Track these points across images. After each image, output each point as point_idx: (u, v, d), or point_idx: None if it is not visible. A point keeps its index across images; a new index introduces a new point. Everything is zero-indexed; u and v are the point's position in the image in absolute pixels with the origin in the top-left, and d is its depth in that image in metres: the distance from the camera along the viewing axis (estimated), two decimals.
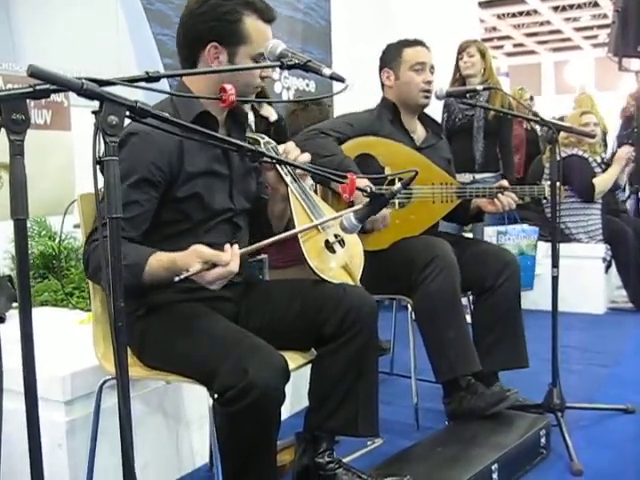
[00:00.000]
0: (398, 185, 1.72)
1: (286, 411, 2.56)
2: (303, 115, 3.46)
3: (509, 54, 21.61)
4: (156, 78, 1.32)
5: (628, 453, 2.40)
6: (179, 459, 2.23)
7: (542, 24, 18.32)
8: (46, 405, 1.79)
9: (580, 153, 4.62)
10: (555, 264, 2.46)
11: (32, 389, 1.15)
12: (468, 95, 2.70)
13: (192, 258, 1.50)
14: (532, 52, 21.57)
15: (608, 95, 11.65)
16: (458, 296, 2.45)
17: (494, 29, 18.19)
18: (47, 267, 2.93)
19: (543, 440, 2.33)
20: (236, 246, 1.55)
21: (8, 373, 1.14)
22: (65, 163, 3.28)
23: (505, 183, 2.64)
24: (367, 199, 1.70)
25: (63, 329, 2.40)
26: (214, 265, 1.49)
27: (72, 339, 2.22)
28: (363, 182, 1.79)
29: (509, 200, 2.59)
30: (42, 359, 1.90)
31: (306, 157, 1.87)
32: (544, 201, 4.54)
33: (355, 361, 1.83)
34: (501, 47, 20.75)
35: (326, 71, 1.58)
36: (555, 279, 2.47)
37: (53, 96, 1.24)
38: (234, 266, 1.50)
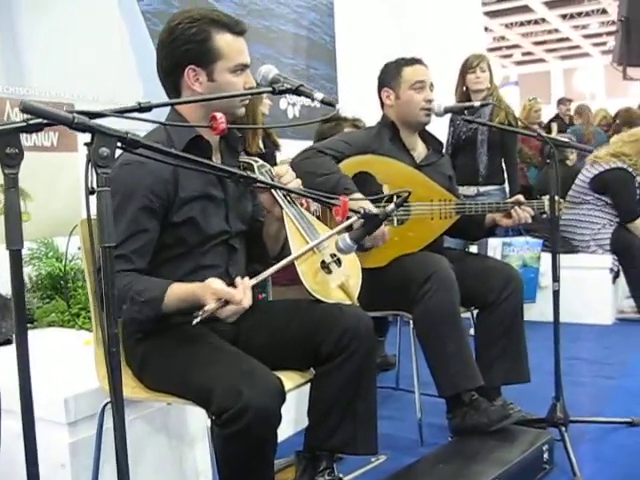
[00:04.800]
0: (391, 206, 1.74)
1: (289, 429, 2.57)
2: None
3: (518, 63, 21.64)
4: (148, 108, 1.36)
5: (632, 467, 2.38)
6: (182, 479, 2.25)
7: (550, 32, 18.34)
8: (50, 426, 1.82)
9: (626, 167, 4.53)
10: (556, 278, 2.46)
11: (29, 410, 1.18)
12: (466, 112, 2.71)
13: (207, 293, 1.57)
14: (541, 60, 21.58)
15: (618, 102, 11.62)
16: (457, 312, 2.45)
17: (502, 38, 18.23)
18: (54, 288, 2.95)
19: (546, 455, 2.32)
20: (247, 279, 1.61)
21: (14, 394, 1.17)
22: (72, 184, 3.31)
23: (521, 198, 2.65)
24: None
25: (69, 350, 2.43)
26: (227, 302, 1.55)
27: (77, 360, 2.23)
28: (357, 204, 1.80)
29: (526, 215, 2.62)
30: (47, 380, 1.94)
31: (296, 183, 1.89)
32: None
33: (353, 380, 1.84)
34: (510, 56, 20.80)
35: (317, 95, 1.62)
36: (556, 293, 2.45)
37: None
38: (247, 302, 1.57)
